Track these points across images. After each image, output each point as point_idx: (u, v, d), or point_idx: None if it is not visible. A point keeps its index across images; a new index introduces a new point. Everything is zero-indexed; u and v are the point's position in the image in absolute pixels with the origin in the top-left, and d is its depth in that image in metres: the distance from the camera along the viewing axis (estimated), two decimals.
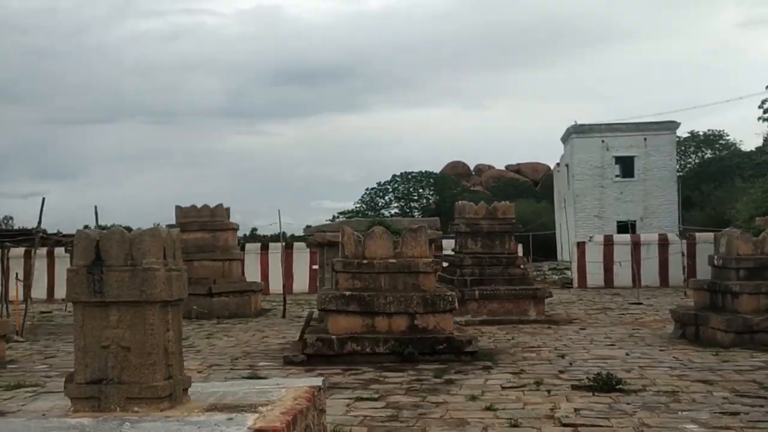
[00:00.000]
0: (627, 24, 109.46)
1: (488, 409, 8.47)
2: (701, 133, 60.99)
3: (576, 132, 45.72)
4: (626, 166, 45.47)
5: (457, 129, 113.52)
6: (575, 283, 29.95)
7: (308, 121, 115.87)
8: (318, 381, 6.72)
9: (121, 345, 5.51)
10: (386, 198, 71.24)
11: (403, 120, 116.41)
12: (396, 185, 71.42)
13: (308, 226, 21.77)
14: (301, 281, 30.10)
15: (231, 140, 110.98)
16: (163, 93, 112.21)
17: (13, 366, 12.73)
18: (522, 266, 19.59)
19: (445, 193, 68.55)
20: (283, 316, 20.43)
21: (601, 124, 45.71)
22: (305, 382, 6.81)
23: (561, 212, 47.60)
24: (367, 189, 71.61)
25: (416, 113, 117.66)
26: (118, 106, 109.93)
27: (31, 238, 17.57)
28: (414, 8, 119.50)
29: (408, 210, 67.98)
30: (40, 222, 16.98)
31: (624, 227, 42.78)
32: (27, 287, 18.45)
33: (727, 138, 61.02)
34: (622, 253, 29.44)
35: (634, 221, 44.46)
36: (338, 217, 65.32)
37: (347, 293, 12.29)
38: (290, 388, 6.36)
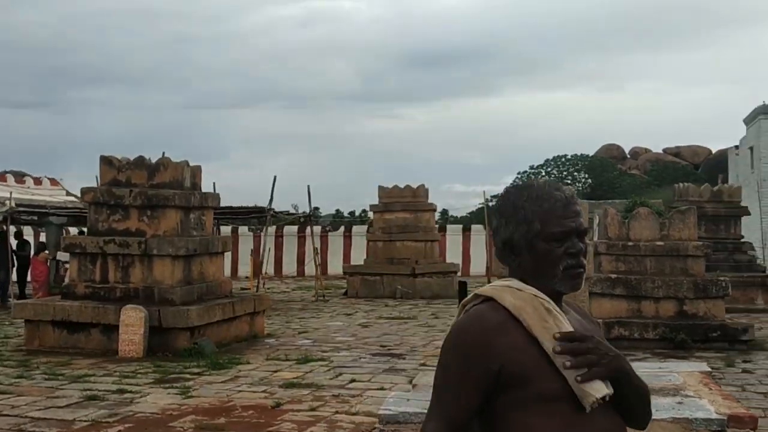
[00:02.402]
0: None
1: None
2: None
3: (765, 113, 43.09)
4: None
5: (592, 112, 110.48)
6: None
7: (439, 104, 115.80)
8: (705, 366, 6.44)
9: None
10: None
11: (533, 104, 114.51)
12: (549, 169, 70.08)
13: None
14: (478, 264, 29.89)
15: (362, 124, 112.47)
16: (297, 78, 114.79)
17: (272, 340, 13.03)
18: (749, 252, 18.60)
19: (602, 176, 66.67)
20: None
21: None
22: (690, 366, 6.54)
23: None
24: (518, 173, 70.53)
25: (548, 97, 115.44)
26: (255, 91, 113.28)
27: (263, 216, 18.06)
28: None
29: None
30: (271, 200, 17.44)
31: None
32: (258, 264, 19.02)
33: None
34: None
35: None
36: (490, 200, 64.74)
37: (612, 276, 11.93)
38: (681, 372, 6.09)
